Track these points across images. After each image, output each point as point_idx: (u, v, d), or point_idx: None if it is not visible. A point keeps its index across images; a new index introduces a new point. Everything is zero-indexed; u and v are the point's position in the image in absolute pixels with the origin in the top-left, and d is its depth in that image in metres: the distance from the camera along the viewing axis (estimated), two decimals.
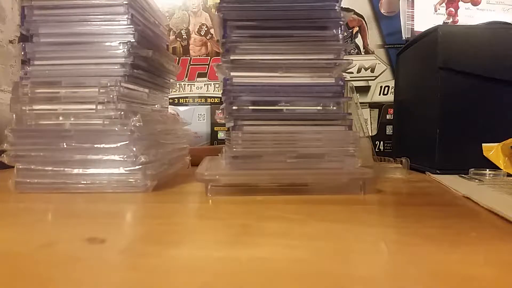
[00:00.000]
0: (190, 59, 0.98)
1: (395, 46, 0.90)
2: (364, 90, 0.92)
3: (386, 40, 0.92)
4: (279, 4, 0.44)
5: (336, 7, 0.44)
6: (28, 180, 0.43)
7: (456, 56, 0.59)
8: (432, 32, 0.62)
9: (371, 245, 0.26)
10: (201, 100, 0.97)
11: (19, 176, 0.43)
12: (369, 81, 0.92)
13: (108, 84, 0.43)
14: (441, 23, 0.75)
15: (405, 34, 0.76)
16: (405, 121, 0.78)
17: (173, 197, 0.42)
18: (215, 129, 0.94)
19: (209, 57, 0.97)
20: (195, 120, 0.93)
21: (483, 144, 0.58)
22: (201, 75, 0.98)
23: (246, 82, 0.43)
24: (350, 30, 0.92)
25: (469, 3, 0.76)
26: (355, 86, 0.71)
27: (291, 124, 0.43)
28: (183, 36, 0.98)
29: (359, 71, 0.92)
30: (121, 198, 0.41)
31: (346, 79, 0.44)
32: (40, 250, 0.24)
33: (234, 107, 0.42)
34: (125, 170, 0.43)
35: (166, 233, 0.29)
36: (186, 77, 0.97)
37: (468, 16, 0.76)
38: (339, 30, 0.44)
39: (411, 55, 0.75)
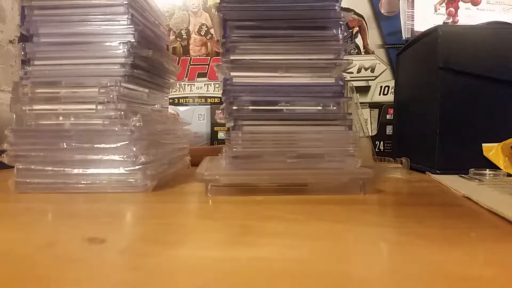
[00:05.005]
0: (190, 59, 0.98)
1: (395, 46, 0.90)
2: (364, 90, 0.92)
3: (386, 40, 0.92)
4: (279, 4, 0.44)
5: (336, 7, 0.44)
6: (28, 180, 0.43)
7: (456, 56, 0.59)
8: (432, 32, 0.62)
9: (371, 245, 0.26)
10: (201, 100, 0.97)
11: (19, 176, 0.43)
12: (369, 81, 0.92)
13: (108, 84, 0.43)
14: (441, 23, 0.75)
15: (405, 34, 0.76)
16: (405, 121, 0.78)
17: (173, 197, 0.42)
18: (215, 129, 0.94)
19: (209, 57, 0.97)
20: (195, 120, 0.93)
21: (483, 144, 0.58)
22: (201, 75, 0.98)
23: (246, 82, 0.43)
24: (350, 30, 0.92)
25: (469, 3, 0.76)
26: (355, 86, 0.71)
27: (291, 124, 0.43)
28: (183, 36, 0.98)
29: (359, 71, 0.92)
30: (121, 198, 0.41)
31: (346, 79, 0.44)
32: (40, 250, 0.24)
33: (234, 107, 0.42)
34: (125, 170, 0.43)
35: (166, 233, 0.29)
36: (186, 77, 0.97)
37: (468, 16, 0.76)
38: (339, 30, 0.44)
39: (411, 55, 0.74)
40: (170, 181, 0.50)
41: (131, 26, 0.45)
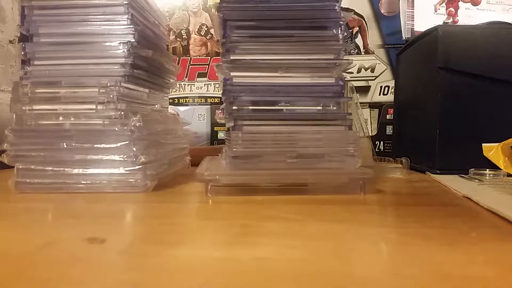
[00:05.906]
0: (190, 59, 0.98)
1: (395, 46, 0.90)
2: (364, 90, 0.92)
3: (386, 40, 0.92)
4: (279, 4, 0.44)
5: (336, 7, 0.44)
6: (28, 180, 0.43)
7: (456, 56, 0.59)
8: (432, 32, 0.62)
9: (371, 245, 0.26)
10: (201, 100, 0.97)
11: (19, 176, 0.43)
12: (369, 81, 0.92)
13: (108, 84, 0.43)
14: (441, 23, 0.75)
15: (405, 34, 0.76)
16: (405, 121, 0.78)
17: (173, 197, 0.42)
18: (215, 129, 0.94)
19: (209, 57, 0.97)
20: (195, 120, 0.93)
21: (483, 144, 0.58)
22: (201, 75, 0.98)
23: (246, 82, 0.43)
24: (350, 30, 0.92)
25: (469, 3, 0.76)
26: (355, 86, 0.71)
27: (291, 124, 0.43)
28: (183, 36, 0.98)
29: (359, 71, 0.92)
30: (121, 198, 0.41)
31: (346, 79, 0.44)
32: (40, 250, 0.24)
33: (234, 107, 0.42)
34: (125, 170, 0.43)
35: (166, 233, 0.29)
36: (186, 77, 0.97)
37: (468, 16, 0.76)
38: (339, 30, 0.43)
39: (411, 55, 0.74)
40: (170, 181, 0.50)
41: (131, 26, 0.45)
